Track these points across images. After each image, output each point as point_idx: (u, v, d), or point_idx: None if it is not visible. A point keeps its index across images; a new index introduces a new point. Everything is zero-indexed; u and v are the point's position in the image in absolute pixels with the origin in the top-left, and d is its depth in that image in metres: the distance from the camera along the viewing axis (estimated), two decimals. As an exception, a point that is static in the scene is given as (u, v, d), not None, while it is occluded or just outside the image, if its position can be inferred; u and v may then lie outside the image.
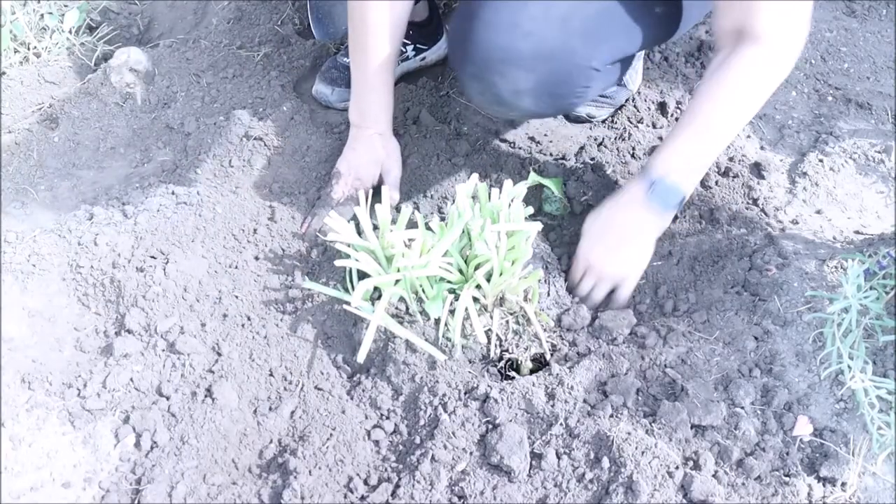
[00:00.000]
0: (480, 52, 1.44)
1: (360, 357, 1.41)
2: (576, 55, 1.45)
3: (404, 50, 2.03)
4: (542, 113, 1.63)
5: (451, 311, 1.43)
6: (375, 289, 1.49)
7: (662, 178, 1.49)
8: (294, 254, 1.67)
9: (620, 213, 1.55)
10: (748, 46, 1.39)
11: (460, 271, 1.49)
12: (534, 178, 1.71)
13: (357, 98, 1.70)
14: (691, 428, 1.33)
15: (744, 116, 1.48)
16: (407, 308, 1.49)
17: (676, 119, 1.96)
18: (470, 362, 1.46)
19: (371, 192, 1.72)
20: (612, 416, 1.35)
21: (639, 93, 2.00)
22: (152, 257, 1.59)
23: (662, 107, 2.01)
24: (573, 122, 2.00)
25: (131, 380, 1.42)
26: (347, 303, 1.45)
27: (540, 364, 1.50)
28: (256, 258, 1.65)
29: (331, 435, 1.36)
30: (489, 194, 1.53)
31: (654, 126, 1.98)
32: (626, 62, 1.61)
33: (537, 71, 1.44)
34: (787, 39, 1.40)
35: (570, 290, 1.60)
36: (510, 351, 1.48)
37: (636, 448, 1.27)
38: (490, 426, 1.35)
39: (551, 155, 1.89)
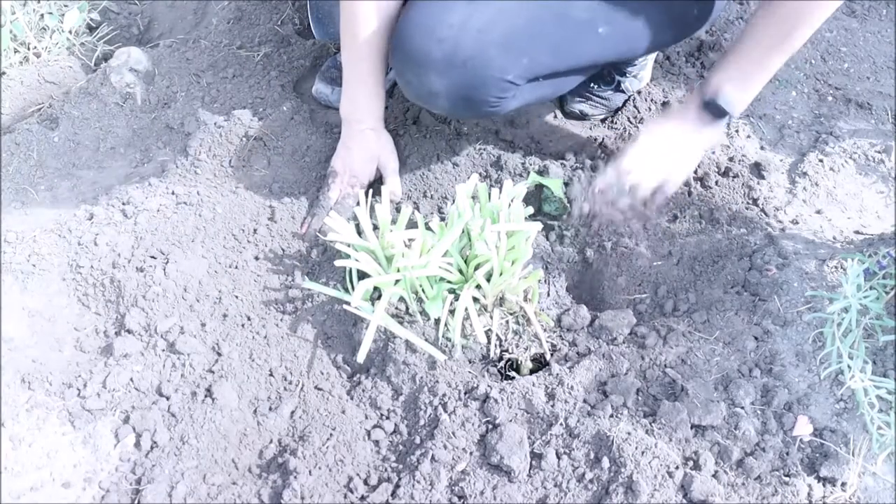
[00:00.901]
0: (401, 51, 1.52)
1: (360, 357, 1.41)
2: (490, 66, 1.48)
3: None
4: (461, 115, 1.70)
5: (451, 311, 1.43)
6: (375, 289, 1.49)
7: (716, 95, 1.55)
8: (294, 254, 1.67)
9: (674, 123, 1.63)
10: None
11: (460, 271, 1.49)
12: (534, 178, 1.71)
13: (348, 92, 1.71)
14: (691, 428, 1.33)
15: (796, 43, 1.50)
16: (407, 308, 1.49)
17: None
18: (470, 362, 1.46)
19: (371, 189, 1.72)
20: (612, 416, 1.35)
21: (639, 93, 2.00)
22: (152, 257, 1.59)
23: (665, 106, 2.01)
24: (567, 116, 2.01)
25: (131, 380, 1.42)
26: (347, 303, 1.45)
27: (540, 364, 1.50)
28: (256, 258, 1.65)
29: (331, 435, 1.36)
30: (489, 194, 1.53)
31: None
32: (564, 78, 1.64)
33: (449, 76, 1.48)
34: None
35: (610, 183, 1.60)
36: (510, 351, 1.48)
37: (636, 448, 1.27)
38: (490, 426, 1.35)
39: (551, 155, 1.89)
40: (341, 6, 1.61)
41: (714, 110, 1.57)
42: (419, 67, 1.50)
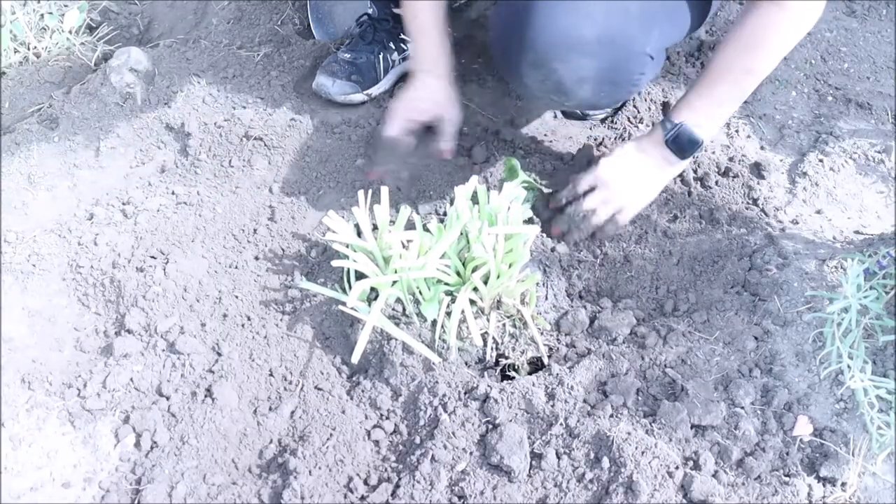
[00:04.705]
0: (543, 38, 1.41)
1: (355, 358, 1.41)
2: (634, 41, 1.45)
3: (405, 48, 2.03)
4: (598, 102, 1.60)
5: (448, 314, 1.43)
6: (373, 290, 1.49)
7: (681, 125, 1.56)
8: (294, 254, 1.67)
9: (639, 153, 1.63)
10: (770, 7, 1.44)
11: (458, 273, 1.49)
12: (510, 162, 1.67)
13: (414, 45, 1.71)
14: (691, 428, 1.33)
15: (762, 72, 1.53)
16: (404, 310, 1.49)
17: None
18: (466, 365, 1.46)
19: (371, 189, 1.72)
20: (612, 416, 1.35)
21: (639, 93, 2.00)
22: (152, 257, 1.59)
23: (665, 106, 2.00)
24: (568, 117, 2.00)
25: (131, 380, 1.42)
26: (344, 303, 1.45)
27: (537, 367, 1.50)
28: (256, 258, 1.65)
29: (331, 435, 1.36)
30: (488, 196, 1.53)
31: (654, 126, 1.98)
32: (664, 53, 1.63)
33: (600, 58, 1.43)
34: (807, 3, 1.44)
35: (564, 201, 1.61)
36: (507, 355, 1.48)
37: (636, 448, 1.27)
38: (490, 426, 1.35)
39: (551, 155, 1.89)
40: None
41: (677, 147, 1.59)
42: (568, 52, 1.41)
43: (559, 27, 1.39)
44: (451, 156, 1.73)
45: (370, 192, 1.59)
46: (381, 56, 1.99)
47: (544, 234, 1.66)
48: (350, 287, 1.48)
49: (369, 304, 1.45)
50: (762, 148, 1.91)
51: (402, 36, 2.02)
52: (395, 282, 1.44)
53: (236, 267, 1.61)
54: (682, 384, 1.38)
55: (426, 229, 1.52)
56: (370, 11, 2.04)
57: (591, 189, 1.61)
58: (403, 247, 1.47)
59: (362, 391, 1.43)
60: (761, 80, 1.54)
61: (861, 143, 1.90)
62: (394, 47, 2.02)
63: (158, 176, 1.81)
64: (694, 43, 2.17)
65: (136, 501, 1.27)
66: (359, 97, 1.99)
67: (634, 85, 1.55)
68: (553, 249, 1.66)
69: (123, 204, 1.72)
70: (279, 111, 1.93)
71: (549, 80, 1.47)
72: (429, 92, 1.72)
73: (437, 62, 1.70)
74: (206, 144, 1.85)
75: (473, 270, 1.46)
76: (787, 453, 1.30)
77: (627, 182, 1.62)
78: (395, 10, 1.99)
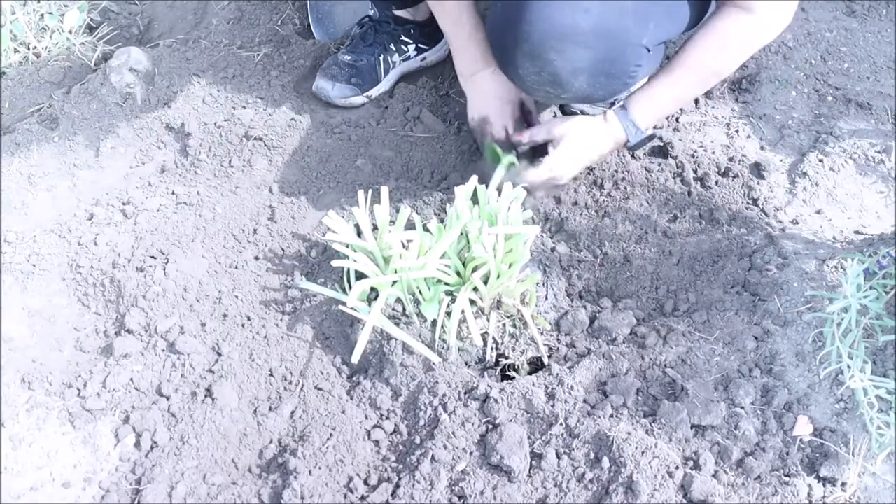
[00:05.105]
0: (538, 29, 1.42)
1: (355, 358, 1.41)
2: (629, 33, 1.46)
3: (406, 49, 2.03)
4: (594, 95, 1.61)
5: (448, 314, 1.43)
6: (373, 290, 1.49)
7: (628, 109, 1.63)
8: (294, 254, 1.67)
9: (594, 128, 1.68)
10: (740, 12, 1.48)
11: (458, 273, 1.49)
12: (490, 147, 1.68)
13: (459, 51, 1.70)
14: (691, 428, 1.33)
15: (720, 74, 1.60)
16: (404, 310, 1.49)
17: (677, 119, 1.96)
18: (466, 365, 1.46)
19: (370, 190, 1.72)
20: (612, 416, 1.35)
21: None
22: (152, 257, 1.59)
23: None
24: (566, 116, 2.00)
25: (131, 380, 1.42)
26: (344, 303, 1.45)
27: (537, 367, 1.50)
28: (256, 258, 1.65)
29: (331, 435, 1.36)
30: (488, 196, 1.53)
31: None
32: (663, 48, 1.66)
33: (595, 48, 1.43)
34: (776, 12, 1.49)
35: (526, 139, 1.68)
36: (507, 355, 1.48)
37: (636, 448, 1.27)
38: (490, 426, 1.35)
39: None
40: None
41: (635, 143, 1.66)
42: (563, 43, 1.42)
43: (554, 18, 1.40)
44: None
45: (370, 191, 1.59)
46: (381, 58, 2.00)
47: (544, 234, 1.67)
48: (350, 287, 1.48)
49: (369, 304, 1.45)
50: (762, 148, 1.91)
51: (403, 38, 2.02)
52: (395, 282, 1.44)
53: (236, 267, 1.61)
54: (682, 384, 1.38)
55: (426, 229, 1.52)
56: (371, 13, 2.05)
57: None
58: (403, 247, 1.47)
59: (362, 391, 1.43)
60: (718, 82, 1.63)
61: (861, 143, 1.90)
62: (394, 49, 2.02)
63: (158, 176, 1.81)
64: (694, 43, 2.17)
65: (136, 501, 1.28)
66: (359, 100, 1.99)
67: (631, 77, 1.55)
68: (553, 249, 1.66)
69: (123, 204, 1.72)
70: (279, 111, 1.93)
71: (545, 71, 1.48)
72: (489, 91, 1.72)
73: (488, 57, 1.68)
74: (206, 144, 1.85)
75: (473, 270, 1.46)
76: (787, 453, 1.30)
77: (572, 163, 1.69)
78: (396, 13, 1.99)
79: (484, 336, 1.46)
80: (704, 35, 1.53)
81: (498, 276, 1.44)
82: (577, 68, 1.46)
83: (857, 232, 1.69)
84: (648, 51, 1.52)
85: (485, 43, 1.67)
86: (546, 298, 1.57)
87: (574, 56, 1.44)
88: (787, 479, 1.26)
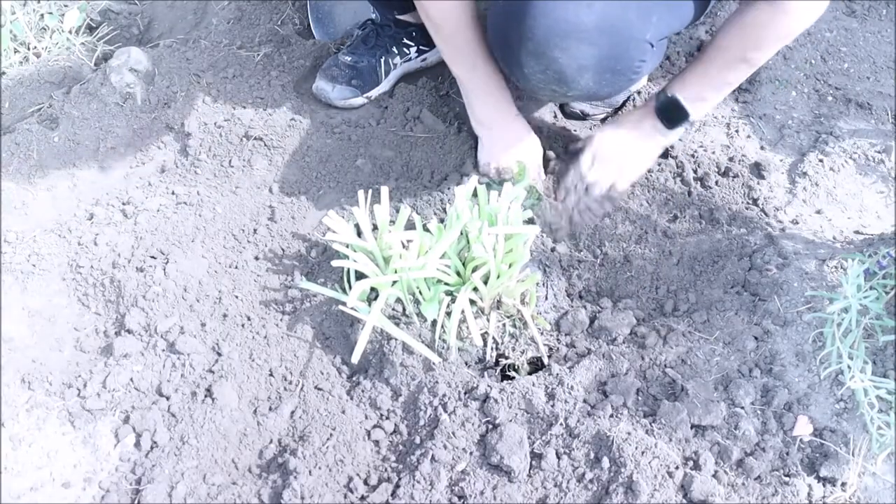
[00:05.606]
0: (542, 25, 1.41)
1: (355, 358, 1.41)
2: (633, 28, 1.45)
3: (407, 51, 2.03)
4: (599, 92, 1.59)
5: (448, 314, 1.43)
6: (373, 290, 1.49)
7: (673, 96, 1.62)
8: (294, 254, 1.67)
9: (630, 125, 1.71)
10: (773, 4, 1.47)
11: (458, 273, 1.49)
12: (521, 166, 1.69)
13: (479, 100, 1.70)
14: (691, 428, 1.33)
15: (757, 63, 1.58)
16: (404, 310, 1.49)
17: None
18: (466, 365, 1.46)
19: (370, 190, 1.72)
20: (612, 416, 1.35)
21: (639, 92, 2.00)
22: (152, 257, 1.59)
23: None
24: (568, 117, 2.00)
25: (131, 380, 1.42)
26: (344, 303, 1.45)
27: (537, 367, 1.50)
28: (256, 258, 1.65)
29: (331, 435, 1.36)
30: (488, 196, 1.53)
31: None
32: (666, 43, 1.66)
33: (599, 45, 1.43)
34: (808, 4, 1.48)
35: (564, 176, 1.69)
36: (507, 355, 1.48)
37: (636, 448, 1.27)
38: (490, 426, 1.35)
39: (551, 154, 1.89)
40: (426, 22, 1.61)
41: (667, 117, 1.64)
42: (567, 40, 1.41)
43: (558, 15, 1.40)
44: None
45: (370, 191, 1.59)
46: (382, 60, 2.00)
47: (545, 235, 1.66)
48: (350, 287, 1.48)
49: (369, 304, 1.45)
50: (762, 148, 1.91)
51: (405, 40, 2.02)
52: (395, 282, 1.44)
53: (236, 267, 1.61)
54: (682, 384, 1.38)
55: (426, 229, 1.52)
56: (373, 17, 2.05)
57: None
58: (403, 247, 1.47)
59: (362, 391, 1.43)
60: (754, 70, 1.59)
61: (861, 143, 1.90)
62: (396, 51, 2.02)
63: (158, 176, 1.81)
64: (694, 43, 2.17)
65: (136, 501, 1.28)
66: (359, 101, 1.99)
67: (635, 73, 1.55)
68: (553, 249, 1.66)
69: (123, 204, 1.72)
70: (279, 111, 1.93)
71: (550, 69, 1.47)
72: (520, 134, 1.74)
73: (510, 101, 1.72)
74: (206, 144, 1.85)
75: (473, 270, 1.46)
76: (787, 453, 1.30)
77: (622, 151, 1.68)
78: (398, 17, 1.99)
79: (484, 336, 1.46)
80: (737, 25, 1.53)
81: (498, 276, 1.44)
82: (582, 65, 1.46)
83: (857, 232, 1.69)
84: (652, 46, 1.51)
85: (505, 90, 1.69)
86: (546, 298, 1.57)
87: (578, 53, 1.43)
88: (787, 479, 1.26)
